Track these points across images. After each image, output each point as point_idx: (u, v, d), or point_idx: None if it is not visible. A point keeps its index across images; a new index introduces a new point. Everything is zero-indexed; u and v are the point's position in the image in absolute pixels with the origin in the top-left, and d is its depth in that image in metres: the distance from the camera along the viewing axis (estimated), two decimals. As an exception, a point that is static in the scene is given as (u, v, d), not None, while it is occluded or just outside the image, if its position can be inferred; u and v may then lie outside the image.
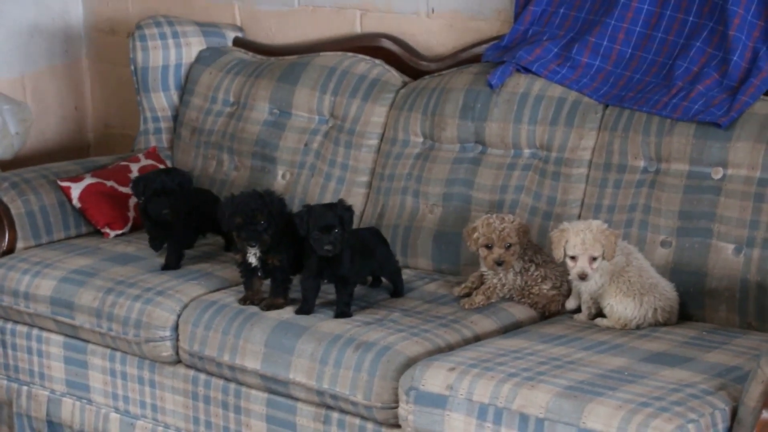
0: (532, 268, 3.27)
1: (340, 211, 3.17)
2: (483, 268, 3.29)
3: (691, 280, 3.18)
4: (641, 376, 2.74)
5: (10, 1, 4.57)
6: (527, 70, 3.56)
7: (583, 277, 3.05)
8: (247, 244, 3.21)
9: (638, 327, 3.07)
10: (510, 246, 3.19)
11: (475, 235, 3.21)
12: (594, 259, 3.04)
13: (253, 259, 3.25)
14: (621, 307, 3.07)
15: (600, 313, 3.15)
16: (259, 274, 3.28)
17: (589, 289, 3.12)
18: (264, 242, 3.20)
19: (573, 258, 3.06)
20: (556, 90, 3.51)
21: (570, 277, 3.13)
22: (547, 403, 2.65)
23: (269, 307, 3.24)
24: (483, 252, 3.21)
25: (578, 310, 3.22)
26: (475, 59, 3.75)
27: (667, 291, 3.11)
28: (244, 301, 3.29)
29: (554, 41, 3.57)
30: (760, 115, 3.19)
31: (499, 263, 3.19)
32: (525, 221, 3.37)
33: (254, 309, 3.24)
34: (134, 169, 4.00)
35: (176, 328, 3.34)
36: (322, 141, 3.88)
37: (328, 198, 3.76)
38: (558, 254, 3.08)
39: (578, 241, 3.03)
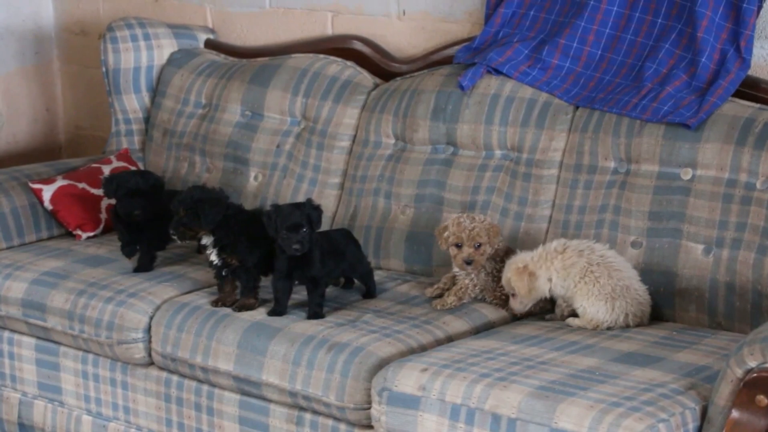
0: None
1: (308, 210, 3.18)
2: (455, 269, 3.31)
3: (661, 281, 3.20)
4: (612, 376, 2.76)
5: (-20, 3, 4.55)
6: (498, 72, 3.57)
7: (513, 312, 3.20)
8: (173, 234, 3.30)
9: (609, 329, 3.10)
10: (480, 245, 3.21)
11: (446, 234, 3.23)
12: (514, 295, 3.17)
13: (213, 257, 3.30)
14: (593, 309, 3.09)
15: (572, 313, 3.18)
16: (224, 273, 3.30)
17: (557, 293, 3.15)
18: (181, 233, 3.26)
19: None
20: (526, 91, 3.53)
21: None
22: (519, 403, 2.66)
23: (241, 308, 3.24)
24: (453, 251, 3.23)
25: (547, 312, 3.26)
26: (446, 61, 3.76)
27: (639, 295, 3.13)
28: (215, 303, 3.30)
29: (524, 43, 3.59)
30: (729, 116, 3.22)
31: (468, 262, 3.21)
32: (496, 222, 3.38)
33: (226, 311, 3.25)
34: (106, 171, 3.98)
35: (149, 330, 3.33)
36: (294, 143, 3.89)
37: (300, 199, 3.76)
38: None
39: (504, 278, 3.16)
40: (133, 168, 4.04)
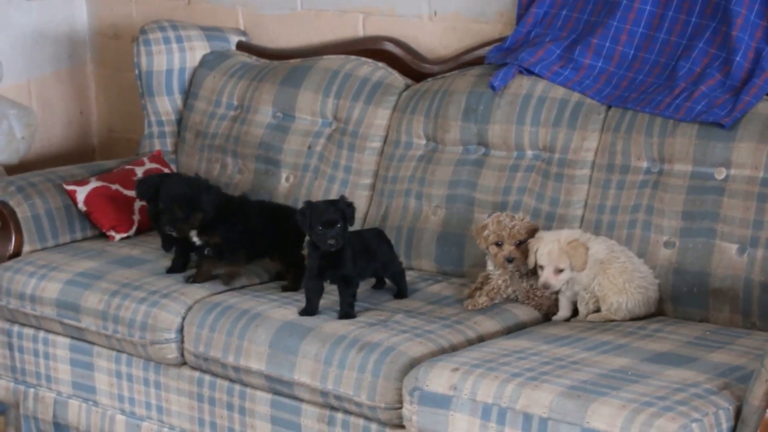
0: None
1: (342, 206, 3.19)
2: (489, 268, 3.30)
3: (694, 281, 3.18)
4: (645, 375, 2.74)
5: (16, 6, 4.59)
6: (530, 72, 3.57)
7: (546, 287, 3.13)
8: (167, 231, 3.46)
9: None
10: (520, 243, 3.21)
11: (486, 232, 3.22)
12: (560, 270, 3.08)
13: (196, 239, 3.46)
14: (635, 260, 3.16)
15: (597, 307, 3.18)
16: (206, 252, 3.47)
17: (583, 285, 3.15)
18: (181, 229, 3.42)
19: (541, 267, 3.11)
20: (558, 91, 3.52)
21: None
22: (551, 402, 2.65)
23: (229, 276, 3.45)
24: (493, 249, 3.22)
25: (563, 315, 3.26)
26: (478, 61, 3.76)
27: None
28: (188, 278, 3.48)
29: (557, 43, 3.58)
30: (763, 115, 3.19)
31: (510, 260, 3.20)
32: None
33: (258, 310, 3.25)
34: (139, 173, 4.01)
35: (181, 330, 3.35)
36: (325, 144, 3.89)
37: (332, 201, 3.77)
38: (530, 261, 3.14)
39: (545, 252, 3.10)
40: (165, 170, 4.07)
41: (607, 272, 3.12)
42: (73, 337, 3.58)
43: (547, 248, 3.10)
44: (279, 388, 3.15)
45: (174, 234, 3.45)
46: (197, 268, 3.50)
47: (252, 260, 3.54)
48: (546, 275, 3.12)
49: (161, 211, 3.44)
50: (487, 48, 3.75)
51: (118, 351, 3.50)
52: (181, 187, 3.45)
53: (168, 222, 3.42)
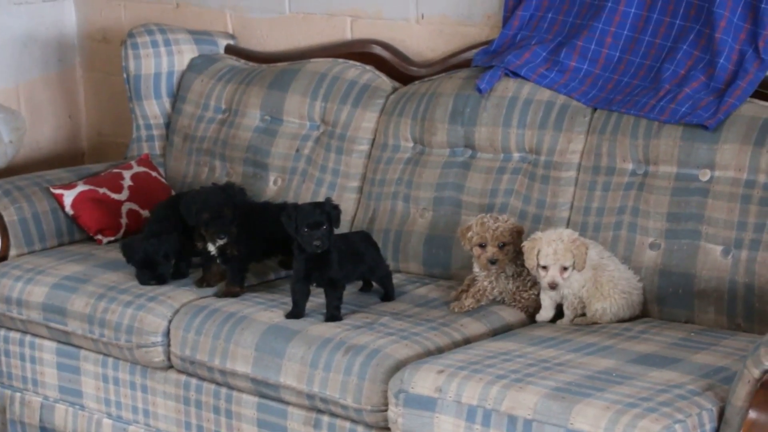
0: (525, 272, 3.28)
1: (328, 208, 3.20)
2: (476, 270, 3.30)
3: (679, 282, 3.19)
4: (629, 377, 2.75)
5: (4, 10, 4.59)
6: (516, 75, 3.57)
7: (553, 286, 3.10)
8: (217, 238, 3.36)
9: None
10: (504, 245, 3.21)
11: (470, 234, 3.22)
12: (565, 269, 3.07)
13: (211, 248, 3.39)
14: (621, 269, 3.16)
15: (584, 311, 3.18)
16: (218, 261, 3.42)
17: (573, 290, 3.14)
18: (232, 234, 3.35)
19: (544, 267, 3.09)
20: (544, 94, 3.52)
21: (541, 286, 3.16)
22: (535, 404, 2.66)
23: (225, 295, 3.36)
24: (477, 251, 3.23)
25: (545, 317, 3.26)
26: (465, 64, 3.77)
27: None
28: (200, 282, 3.44)
29: (542, 45, 3.58)
30: (747, 116, 3.20)
31: (493, 262, 3.20)
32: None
33: (244, 313, 3.26)
34: (126, 176, 4.01)
35: (167, 333, 3.35)
36: (313, 147, 3.90)
37: (319, 203, 3.77)
38: (530, 264, 3.11)
39: (550, 251, 3.07)
40: (153, 174, 4.07)
41: (598, 280, 3.12)
42: (59, 341, 3.58)
43: (551, 248, 3.07)
44: (265, 391, 3.15)
45: (225, 240, 3.32)
46: (205, 271, 3.47)
47: (260, 261, 3.53)
48: (552, 274, 3.09)
49: (203, 224, 3.33)
50: (474, 51, 3.76)
51: (105, 355, 3.50)
52: (212, 193, 3.37)
53: (219, 231, 3.31)
